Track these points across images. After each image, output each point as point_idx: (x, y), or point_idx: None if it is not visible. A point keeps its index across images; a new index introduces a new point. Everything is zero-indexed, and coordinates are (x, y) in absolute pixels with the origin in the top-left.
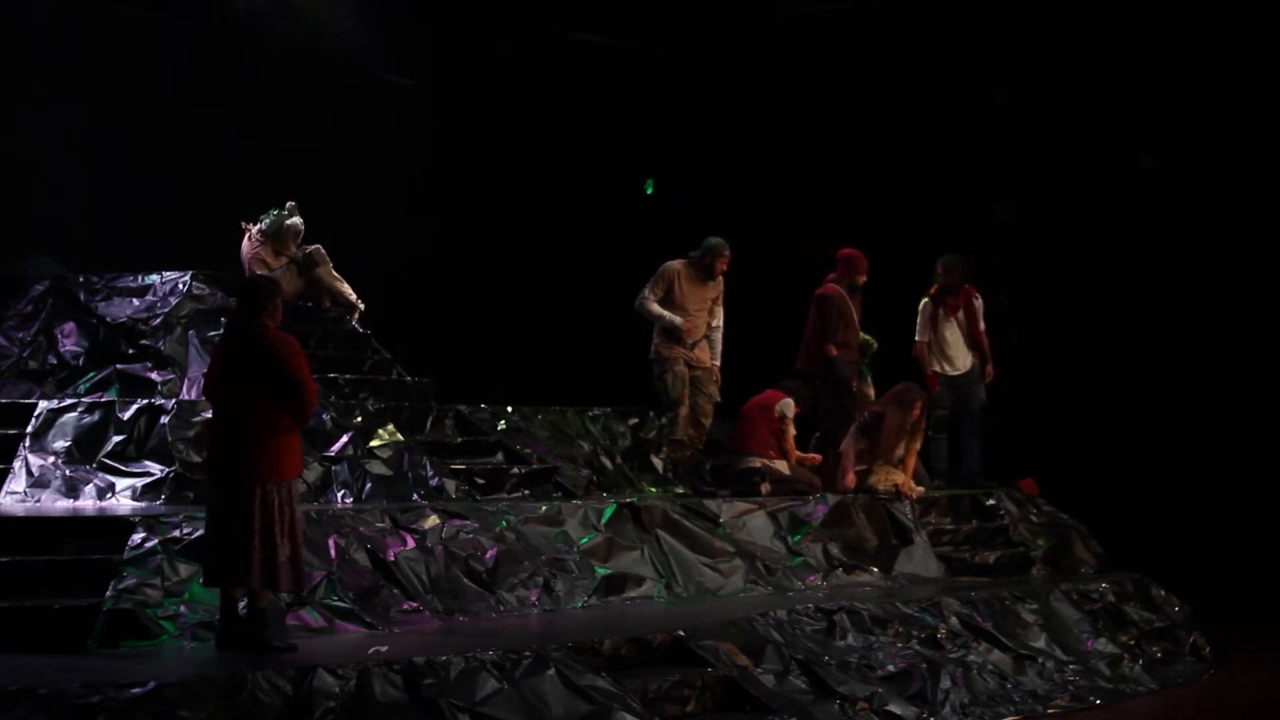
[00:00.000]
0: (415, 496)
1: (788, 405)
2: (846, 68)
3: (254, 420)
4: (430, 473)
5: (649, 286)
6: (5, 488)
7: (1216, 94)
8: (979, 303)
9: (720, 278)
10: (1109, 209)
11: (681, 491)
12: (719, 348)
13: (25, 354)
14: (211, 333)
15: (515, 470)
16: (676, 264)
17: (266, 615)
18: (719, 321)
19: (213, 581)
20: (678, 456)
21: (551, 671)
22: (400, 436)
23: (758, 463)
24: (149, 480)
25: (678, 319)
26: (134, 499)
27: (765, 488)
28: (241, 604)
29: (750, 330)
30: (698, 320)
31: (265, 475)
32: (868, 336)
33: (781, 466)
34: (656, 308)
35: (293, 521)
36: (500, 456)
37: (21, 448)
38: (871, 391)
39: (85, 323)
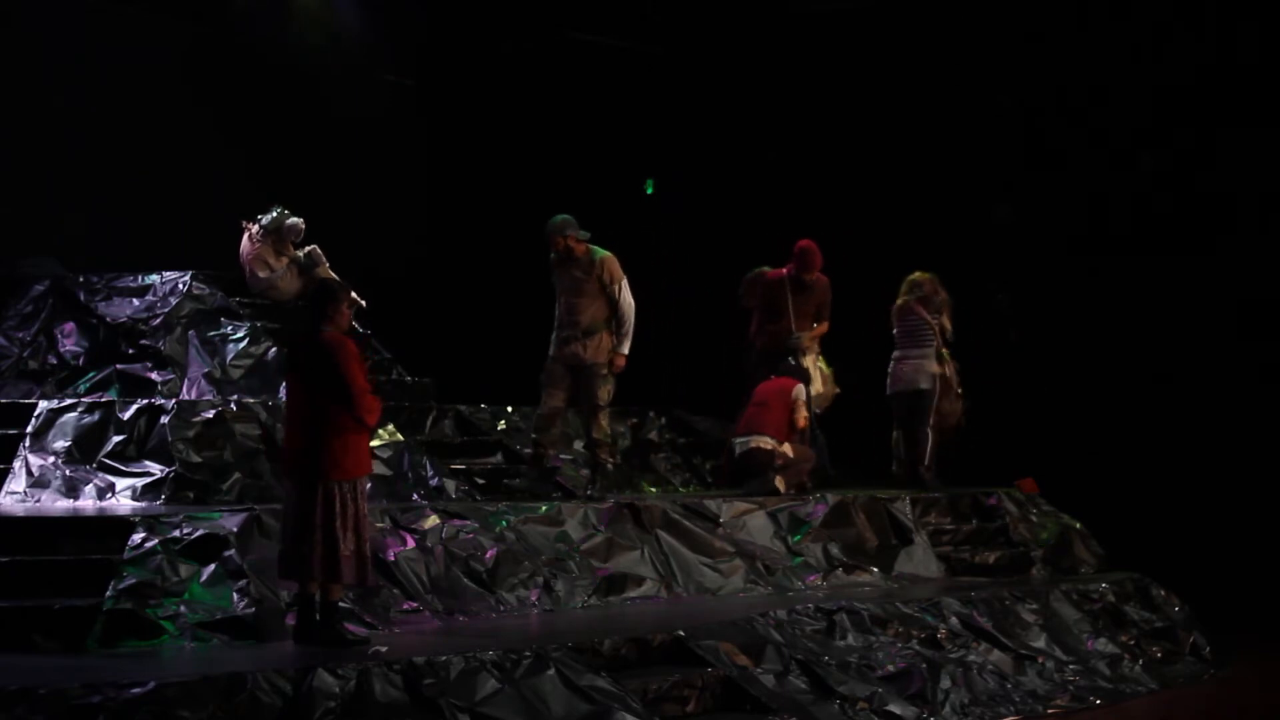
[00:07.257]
0: (415, 496)
1: (801, 390)
2: (847, 67)
3: (319, 420)
4: (430, 473)
5: None
6: (5, 488)
7: (1215, 91)
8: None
9: (598, 257)
10: (1109, 209)
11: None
12: (625, 332)
13: (25, 354)
14: (211, 333)
15: (515, 470)
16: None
17: (340, 610)
18: (623, 302)
19: (282, 574)
20: (541, 453)
21: (551, 671)
22: (400, 436)
23: (768, 444)
24: (149, 480)
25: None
26: (134, 499)
27: (778, 481)
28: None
29: (749, 328)
30: (583, 307)
31: (329, 473)
32: (799, 334)
33: (788, 449)
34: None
35: (358, 517)
36: (500, 456)
37: (21, 448)
38: (823, 389)
39: (85, 323)
